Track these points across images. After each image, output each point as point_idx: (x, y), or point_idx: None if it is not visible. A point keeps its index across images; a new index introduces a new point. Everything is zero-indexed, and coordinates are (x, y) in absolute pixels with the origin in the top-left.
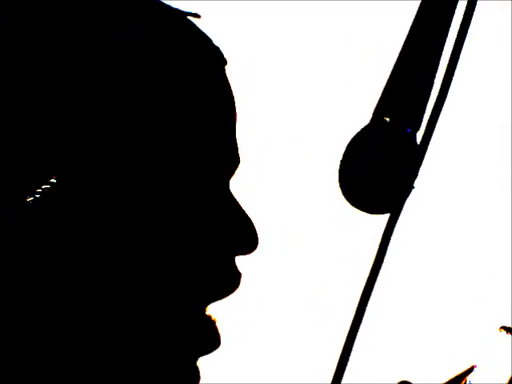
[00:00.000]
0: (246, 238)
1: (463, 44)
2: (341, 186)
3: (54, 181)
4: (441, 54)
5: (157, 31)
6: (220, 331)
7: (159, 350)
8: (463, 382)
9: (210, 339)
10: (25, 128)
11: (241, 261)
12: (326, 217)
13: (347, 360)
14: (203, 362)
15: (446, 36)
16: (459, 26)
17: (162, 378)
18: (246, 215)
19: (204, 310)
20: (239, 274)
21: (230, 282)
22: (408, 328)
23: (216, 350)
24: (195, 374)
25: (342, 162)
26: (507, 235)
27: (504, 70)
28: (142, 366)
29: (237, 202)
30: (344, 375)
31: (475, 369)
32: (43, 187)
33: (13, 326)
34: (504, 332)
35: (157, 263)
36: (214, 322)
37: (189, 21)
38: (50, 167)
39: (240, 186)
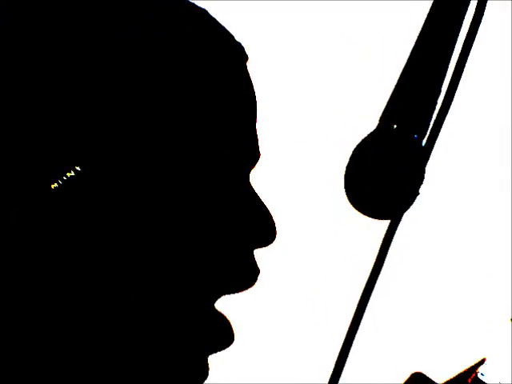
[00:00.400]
0: (264, 230)
1: (470, 50)
2: (346, 191)
3: (55, 182)
4: (449, 62)
5: (158, 30)
6: (233, 328)
7: (165, 347)
8: (473, 374)
9: (223, 336)
10: (23, 130)
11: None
12: (329, 219)
13: (345, 360)
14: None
15: (455, 42)
16: (467, 32)
17: (168, 375)
18: (265, 207)
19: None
20: (257, 269)
21: (248, 275)
22: (418, 322)
23: (229, 347)
24: (202, 371)
25: (347, 166)
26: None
27: (504, 71)
28: (146, 362)
29: (256, 194)
30: (341, 375)
31: (486, 361)
32: (43, 188)
33: (13, 326)
34: None
35: (170, 258)
36: (226, 319)
37: (212, 19)
38: (49, 168)
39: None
